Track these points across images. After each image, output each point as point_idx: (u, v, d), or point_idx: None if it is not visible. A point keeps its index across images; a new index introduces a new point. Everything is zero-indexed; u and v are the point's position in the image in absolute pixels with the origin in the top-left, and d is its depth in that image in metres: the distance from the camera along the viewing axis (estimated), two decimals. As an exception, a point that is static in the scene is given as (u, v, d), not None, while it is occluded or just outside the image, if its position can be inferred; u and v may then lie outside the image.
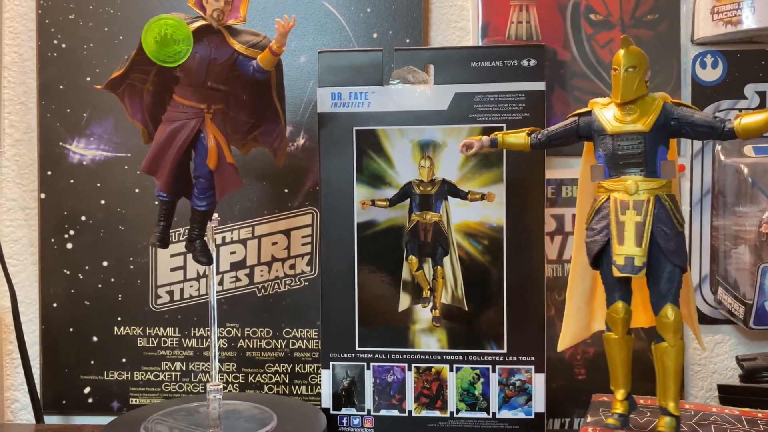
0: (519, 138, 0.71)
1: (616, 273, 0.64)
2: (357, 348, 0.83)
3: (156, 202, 0.81)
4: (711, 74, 0.94)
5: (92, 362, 0.99)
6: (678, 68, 0.93)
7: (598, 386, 0.84)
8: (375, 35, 0.94)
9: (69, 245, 0.99)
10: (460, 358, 0.81)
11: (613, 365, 0.69)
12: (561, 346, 0.76)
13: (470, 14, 0.96)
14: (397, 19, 0.94)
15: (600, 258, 0.67)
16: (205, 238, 0.79)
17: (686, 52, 0.94)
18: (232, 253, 0.97)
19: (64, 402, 0.99)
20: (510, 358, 0.81)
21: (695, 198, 0.94)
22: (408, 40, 0.94)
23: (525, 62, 0.79)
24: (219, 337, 0.97)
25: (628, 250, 0.63)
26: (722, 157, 0.93)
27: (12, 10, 1.00)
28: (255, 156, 0.92)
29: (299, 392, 0.96)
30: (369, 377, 0.83)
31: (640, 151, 0.65)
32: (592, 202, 0.69)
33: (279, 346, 0.97)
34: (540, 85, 0.79)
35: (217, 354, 0.82)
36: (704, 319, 0.94)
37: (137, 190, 0.97)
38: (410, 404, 0.83)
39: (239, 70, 0.76)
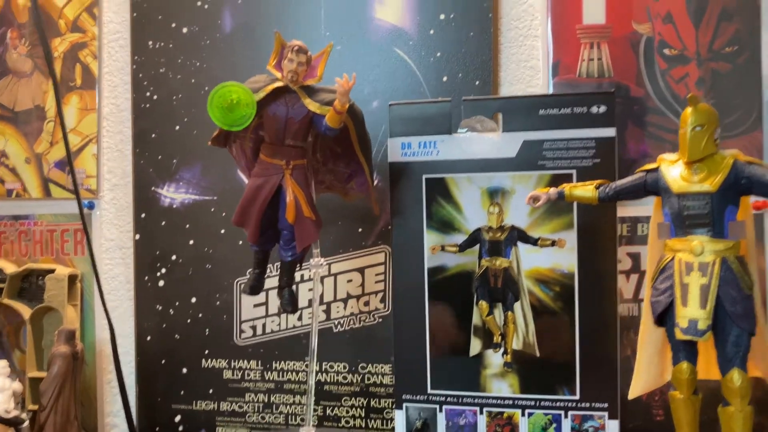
0: (587, 191, 0.71)
1: (680, 335, 0.63)
2: (429, 390, 0.85)
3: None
4: (795, 107, 0.90)
5: (182, 392, 1.05)
6: (759, 101, 0.90)
7: (677, 429, 0.83)
8: (445, 78, 0.96)
9: (161, 282, 1.06)
10: (533, 403, 0.82)
11: (679, 425, 0.68)
12: (632, 394, 0.76)
13: (540, 53, 0.96)
14: (467, 61, 0.96)
15: (664, 317, 0.66)
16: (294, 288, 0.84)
17: (769, 84, 0.90)
18: (310, 290, 1.01)
19: (157, 429, 1.06)
20: (583, 404, 0.81)
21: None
22: (478, 82, 0.95)
23: (594, 109, 0.79)
24: (297, 371, 1.02)
25: (691, 312, 0.62)
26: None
27: (110, 65, 1.09)
28: (330, 197, 0.95)
29: (375, 426, 0.99)
30: (441, 419, 0.85)
31: (706, 211, 0.63)
32: (658, 260, 0.68)
33: (355, 381, 1.00)
34: (610, 132, 0.79)
35: (313, 400, 0.86)
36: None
37: (223, 231, 1.03)
38: (483, 447, 0.84)
39: (315, 127, 0.80)
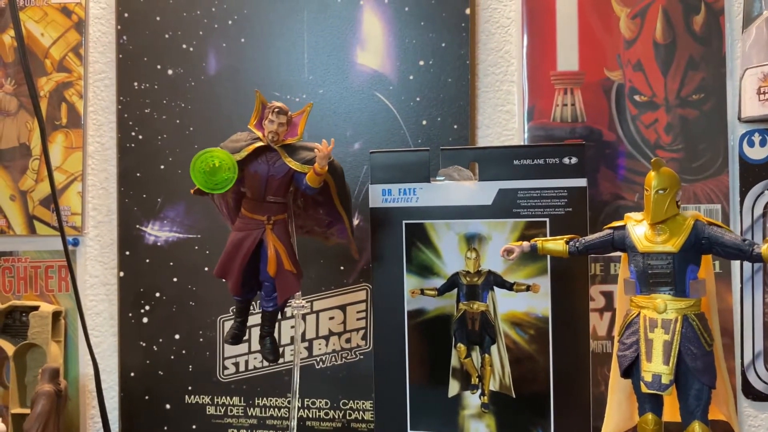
0: (558, 245, 0.74)
1: (644, 389, 0.67)
2: (409, 430, 0.87)
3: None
4: (759, 152, 0.94)
5: (165, 428, 1.06)
6: (725, 147, 0.94)
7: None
8: (424, 122, 0.99)
9: (145, 319, 1.07)
10: (508, 443, 0.85)
11: None
12: (604, 436, 0.79)
13: (516, 98, 0.99)
14: (445, 106, 0.99)
15: (631, 370, 0.69)
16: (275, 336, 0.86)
17: (733, 130, 0.94)
18: (292, 327, 1.03)
19: (140, 464, 1.07)
20: (557, 445, 0.83)
21: (746, 275, 0.94)
22: (456, 126, 0.98)
23: (566, 160, 0.82)
24: (279, 407, 1.03)
25: (655, 367, 0.66)
26: (774, 235, 0.93)
27: (96, 104, 1.11)
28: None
29: (356, 461, 1.01)
30: (421, 460, 0.87)
31: (669, 271, 0.67)
32: (625, 314, 0.71)
33: (337, 417, 1.02)
34: (581, 182, 0.82)
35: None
36: (759, 396, 0.94)
37: (206, 269, 1.05)
38: (461, 485, 0.86)
39: (296, 184, 0.82)
